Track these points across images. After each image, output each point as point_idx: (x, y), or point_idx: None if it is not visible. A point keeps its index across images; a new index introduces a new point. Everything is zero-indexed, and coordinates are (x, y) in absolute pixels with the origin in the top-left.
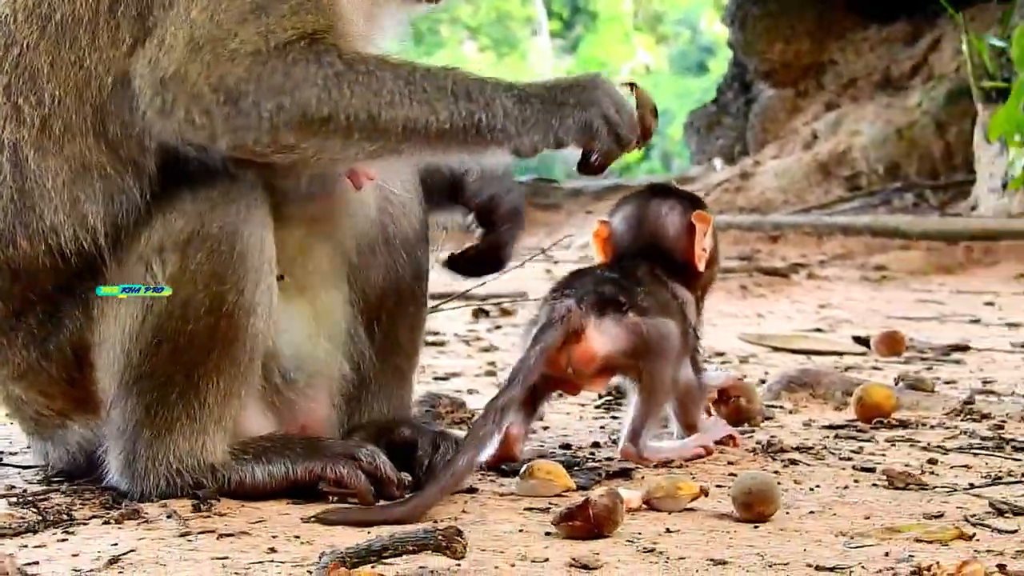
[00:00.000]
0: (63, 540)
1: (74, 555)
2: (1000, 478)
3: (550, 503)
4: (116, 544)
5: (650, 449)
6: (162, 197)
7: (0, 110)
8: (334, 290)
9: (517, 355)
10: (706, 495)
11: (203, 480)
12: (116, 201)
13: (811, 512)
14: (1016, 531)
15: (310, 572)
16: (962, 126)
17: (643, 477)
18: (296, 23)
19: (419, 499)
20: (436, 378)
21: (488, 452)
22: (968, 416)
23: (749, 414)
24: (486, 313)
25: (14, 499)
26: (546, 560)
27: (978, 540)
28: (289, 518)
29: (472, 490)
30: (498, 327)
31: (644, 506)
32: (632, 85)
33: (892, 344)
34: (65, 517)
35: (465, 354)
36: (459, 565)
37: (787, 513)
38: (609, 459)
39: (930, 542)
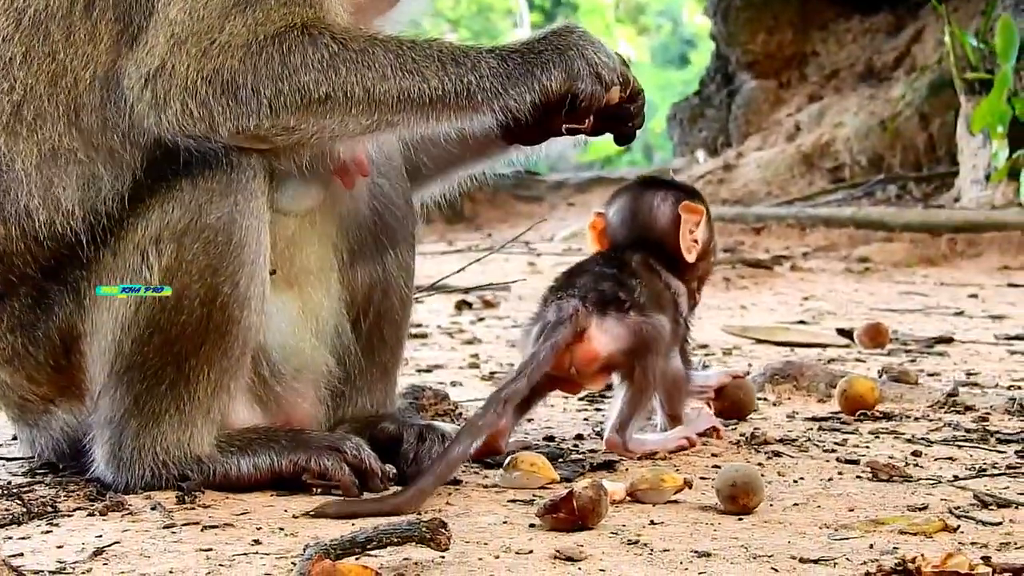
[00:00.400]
0: (47, 532)
1: (59, 547)
2: (984, 470)
3: (534, 495)
4: (100, 536)
5: (635, 441)
6: (158, 188)
7: None
8: (322, 285)
9: (494, 350)
10: (690, 487)
11: (189, 472)
12: (92, 187)
13: (795, 504)
14: (1000, 523)
15: (294, 564)
16: (945, 118)
17: (627, 469)
18: (285, 15)
19: (416, 488)
20: (419, 370)
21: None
22: (952, 408)
23: (745, 409)
24: (469, 305)
25: None
26: (530, 552)
27: (962, 532)
28: (273, 510)
29: (456, 482)
30: (481, 319)
31: (628, 498)
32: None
33: (876, 336)
34: (49, 509)
35: (448, 346)
36: (443, 557)
37: (771, 505)
38: (593, 451)
39: (914, 534)
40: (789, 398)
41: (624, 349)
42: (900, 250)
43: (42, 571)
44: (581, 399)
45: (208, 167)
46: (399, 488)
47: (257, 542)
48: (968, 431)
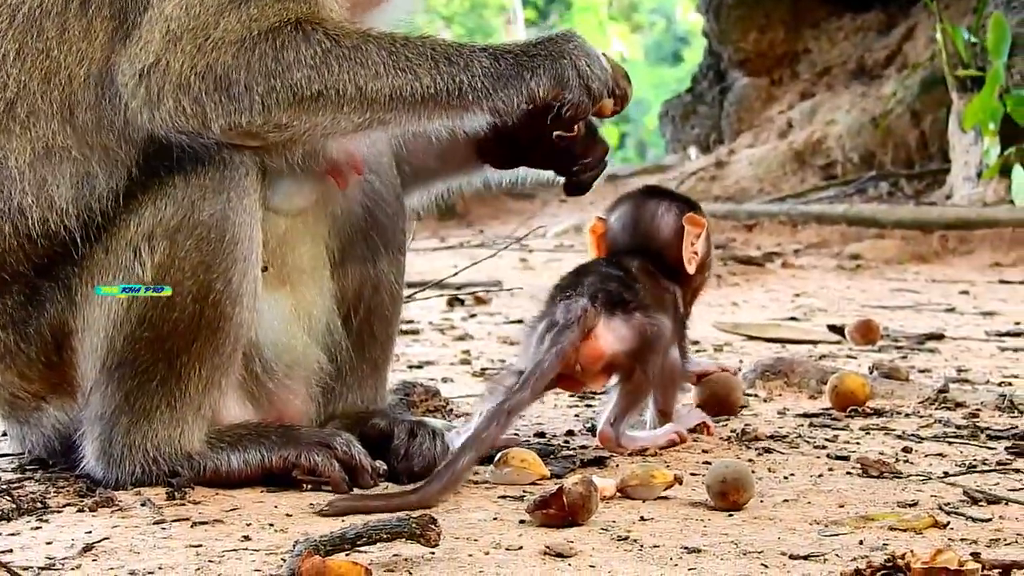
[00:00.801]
0: (37, 528)
1: (48, 543)
2: (974, 466)
3: (524, 491)
4: (90, 532)
5: (626, 437)
6: (151, 185)
7: None
8: (314, 282)
9: (485, 346)
10: (680, 483)
11: (179, 468)
12: (86, 185)
13: (785, 500)
14: (990, 519)
15: (284, 560)
16: (937, 115)
17: (617, 465)
18: (279, 10)
19: (422, 493)
20: (411, 366)
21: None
22: (942, 405)
23: (728, 404)
24: (461, 302)
25: None
26: (520, 548)
27: (952, 528)
28: (263, 506)
29: None
30: (473, 316)
31: (618, 494)
32: (603, 55)
33: (867, 333)
34: (39, 505)
35: (440, 343)
36: (433, 553)
37: (761, 501)
38: (584, 447)
39: (904, 530)
40: (780, 394)
41: (628, 350)
42: (892, 247)
43: (32, 567)
44: (572, 395)
45: (201, 164)
46: (412, 486)
47: (247, 538)
48: (958, 427)
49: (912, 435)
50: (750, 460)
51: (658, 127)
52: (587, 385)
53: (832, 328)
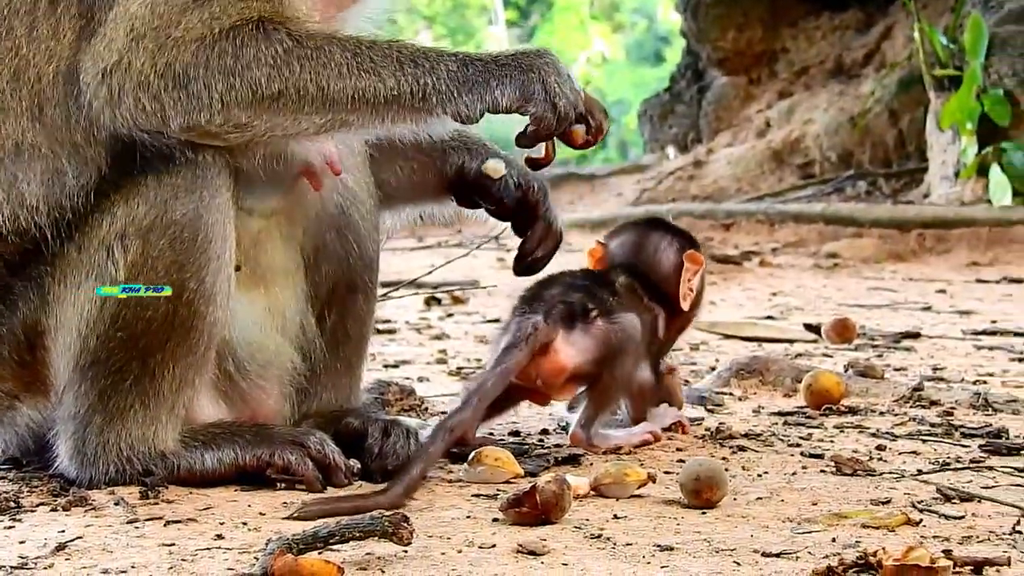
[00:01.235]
0: (10, 527)
1: (21, 542)
2: (948, 464)
3: (498, 490)
4: (63, 531)
5: (599, 436)
6: (124, 184)
7: None
8: (287, 281)
9: (462, 345)
10: (654, 481)
11: (152, 467)
12: (56, 182)
13: (759, 498)
14: (963, 517)
15: (257, 559)
16: (914, 114)
17: (591, 464)
18: (242, 9)
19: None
20: (387, 366)
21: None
22: (917, 403)
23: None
24: (438, 301)
25: None
26: (493, 546)
27: (925, 526)
28: (237, 505)
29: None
30: (450, 315)
31: (592, 492)
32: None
33: (843, 331)
34: (12, 504)
35: (416, 342)
36: (406, 551)
37: (735, 499)
38: (558, 446)
39: (877, 528)
40: (755, 392)
41: (592, 359)
42: (869, 246)
43: (4, 566)
44: None
45: (173, 163)
46: (383, 485)
47: (220, 537)
48: (933, 426)
49: (886, 433)
50: (724, 458)
51: (637, 127)
52: (555, 398)
53: (808, 327)
